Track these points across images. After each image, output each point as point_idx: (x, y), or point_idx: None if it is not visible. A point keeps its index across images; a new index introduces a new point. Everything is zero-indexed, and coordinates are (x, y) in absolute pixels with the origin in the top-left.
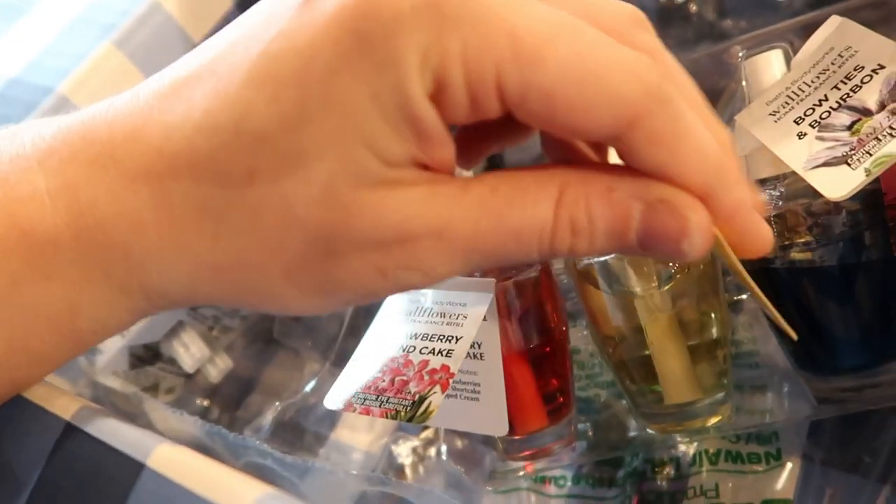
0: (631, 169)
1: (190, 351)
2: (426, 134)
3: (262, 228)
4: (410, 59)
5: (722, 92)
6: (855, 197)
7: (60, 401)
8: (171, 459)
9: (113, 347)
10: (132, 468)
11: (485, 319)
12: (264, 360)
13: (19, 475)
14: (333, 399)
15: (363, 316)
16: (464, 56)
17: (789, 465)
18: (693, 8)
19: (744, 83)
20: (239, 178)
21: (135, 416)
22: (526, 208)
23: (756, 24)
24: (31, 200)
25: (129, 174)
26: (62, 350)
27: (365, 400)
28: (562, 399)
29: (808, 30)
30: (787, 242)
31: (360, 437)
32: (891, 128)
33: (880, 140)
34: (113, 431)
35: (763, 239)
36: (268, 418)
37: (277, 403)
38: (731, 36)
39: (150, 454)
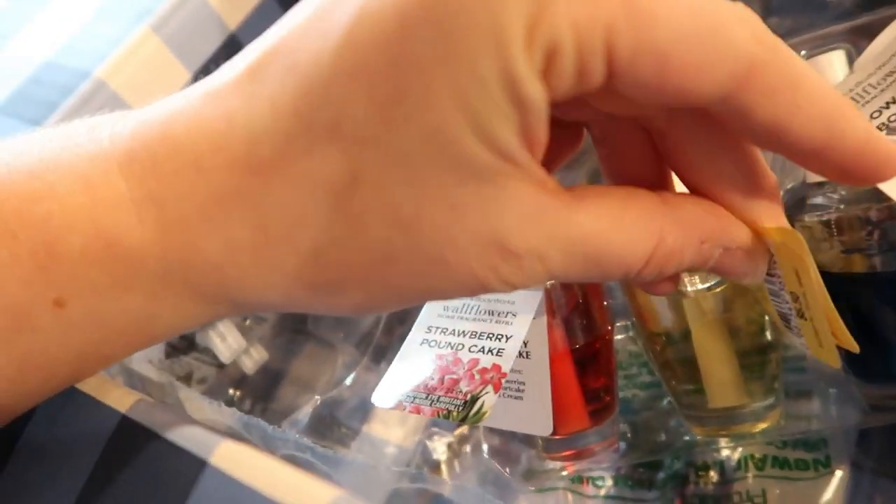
0: (712, 208)
1: (227, 341)
2: (533, 115)
3: (366, 238)
4: (515, 31)
5: None
6: None
7: (115, 393)
8: (235, 457)
9: None
10: (194, 465)
11: (533, 318)
12: (295, 352)
13: (74, 465)
14: (382, 396)
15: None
16: (574, 20)
17: (838, 473)
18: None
19: None
20: (342, 186)
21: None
22: (624, 251)
23: (802, 23)
24: (116, 209)
25: (219, 190)
26: (131, 351)
27: (415, 398)
28: (607, 399)
29: (861, 32)
30: (845, 248)
31: (393, 432)
32: None
33: None
34: (172, 427)
35: None
36: (306, 411)
37: (317, 397)
38: (776, 35)
39: (213, 451)
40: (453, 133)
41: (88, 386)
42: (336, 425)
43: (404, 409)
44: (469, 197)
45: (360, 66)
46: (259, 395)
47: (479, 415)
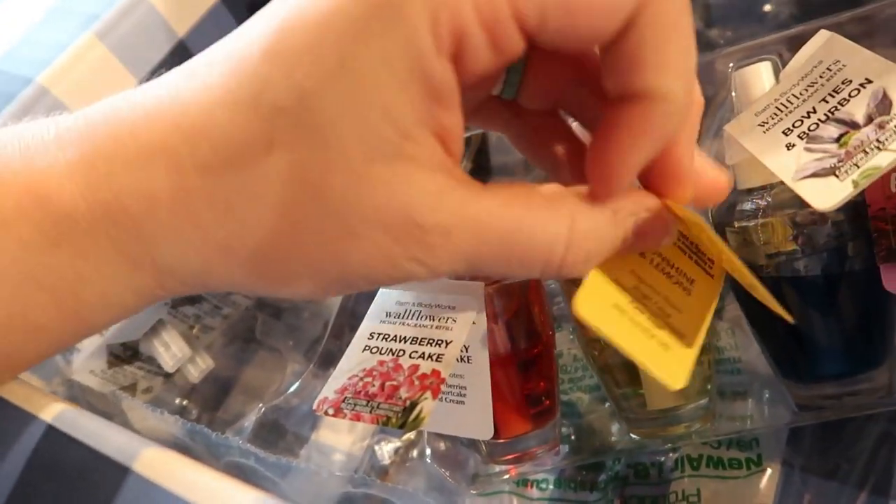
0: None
1: (171, 350)
2: (438, 92)
3: (276, 200)
4: (419, 13)
5: (709, 101)
6: (840, 208)
7: (41, 402)
8: (157, 463)
9: (90, 346)
10: (117, 472)
11: (473, 323)
12: (244, 360)
13: (1, 475)
14: (322, 404)
15: (347, 315)
16: (475, 2)
17: (769, 471)
18: None
19: (733, 94)
20: (258, 150)
21: (111, 416)
22: (540, 234)
23: (742, 34)
24: (49, 169)
25: (146, 149)
26: (62, 325)
27: (355, 405)
28: (547, 402)
29: (794, 42)
30: (772, 252)
31: (341, 439)
32: (878, 141)
33: (867, 153)
34: (97, 434)
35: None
36: (250, 420)
37: (260, 405)
38: (717, 45)
39: (135, 458)
40: (362, 109)
41: (16, 396)
42: (285, 433)
43: (345, 417)
44: (376, 172)
45: (285, 48)
46: (207, 404)
47: (418, 420)
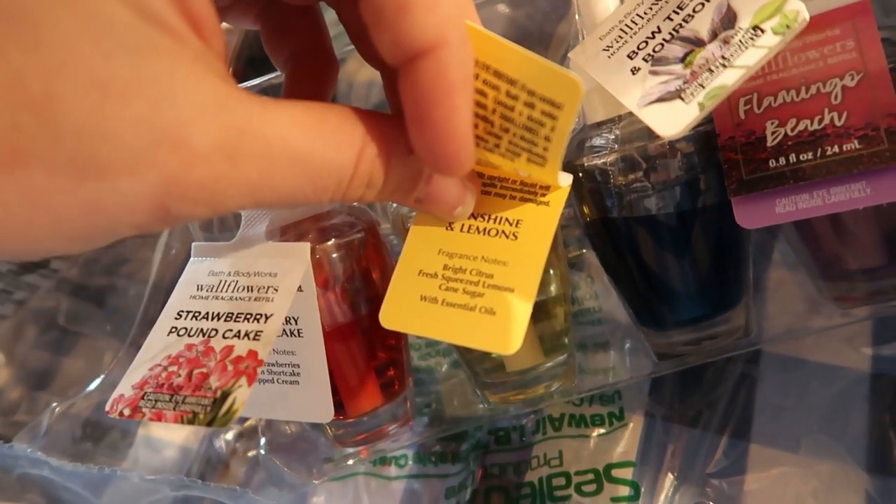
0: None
1: None
2: None
3: None
4: None
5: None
6: (689, 138)
7: None
8: None
9: None
10: None
11: (300, 290)
12: (60, 351)
13: None
14: (117, 403)
15: (164, 291)
16: None
17: (631, 425)
18: None
19: (577, 17)
20: None
21: None
22: (328, 152)
23: None
24: None
25: None
26: None
27: (157, 402)
28: (392, 372)
29: None
30: (623, 190)
31: (173, 431)
32: (723, 58)
33: (713, 71)
34: None
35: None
36: (49, 421)
37: (55, 404)
38: None
39: None
40: None
41: None
42: (108, 431)
43: (144, 417)
44: (125, 76)
45: None
46: (8, 406)
47: (230, 414)
